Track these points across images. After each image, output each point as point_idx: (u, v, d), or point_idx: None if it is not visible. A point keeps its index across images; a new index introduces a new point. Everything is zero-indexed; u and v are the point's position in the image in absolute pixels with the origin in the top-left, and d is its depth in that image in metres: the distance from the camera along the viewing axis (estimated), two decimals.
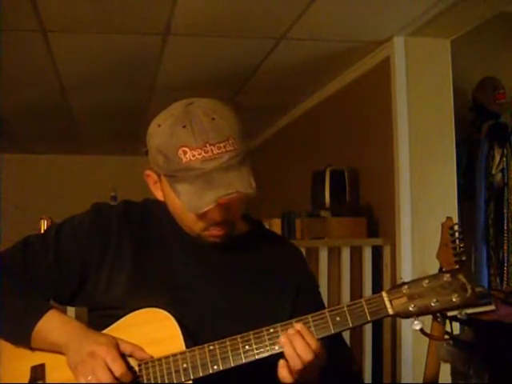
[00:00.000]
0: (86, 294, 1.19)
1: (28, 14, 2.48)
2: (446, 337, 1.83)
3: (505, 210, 3.04)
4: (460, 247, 1.76)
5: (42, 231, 1.31)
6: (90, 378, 1.02)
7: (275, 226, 3.18)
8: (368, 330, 2.93)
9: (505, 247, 3.02)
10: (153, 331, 1.10)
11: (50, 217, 3.30)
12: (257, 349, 1.05)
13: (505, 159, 3.07)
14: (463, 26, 2.75)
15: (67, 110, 4.30)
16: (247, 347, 1.05)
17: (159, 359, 1.07)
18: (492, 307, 1.67)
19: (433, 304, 1.03)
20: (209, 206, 1.06)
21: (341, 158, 3.46)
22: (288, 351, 1.02)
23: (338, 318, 1.05)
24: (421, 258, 2.78)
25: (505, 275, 3.00)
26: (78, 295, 1.20)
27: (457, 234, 1.78)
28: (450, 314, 1.06)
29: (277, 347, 1.05)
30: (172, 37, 2.83)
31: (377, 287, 2.96)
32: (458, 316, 1.04)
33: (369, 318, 1.05)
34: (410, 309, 1.04)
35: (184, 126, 1.08)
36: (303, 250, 2.45)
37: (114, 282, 1.16)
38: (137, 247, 1.19)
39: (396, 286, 1.07)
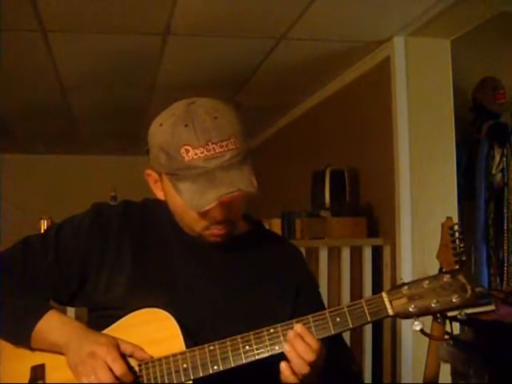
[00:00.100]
0: (85, 294, 1.19)
1: (28, 14, 2.48)
2: (446, 337, 1.83)
3: (505, 210, 3.04)
4: (460, 247, 1.76)
5: (42, 231, 1.31)
6: (90, 378, 1.02)
7: (275, 226, 3.18)
8: (368, 330, 2.93)
9: (505, 247, 3.02)
10: (153, 331, 1.10)
11: (50, 217, 3.30)
12: (257, 349, 1.05)
13: (505, 159, 3.07)
14: (463, 26, 2.75)
15: (67, 110, 4.30)
16: (247, 347, 1.05)
17: (159, 359, 1.07)
18: (492, 307, 1.67)
19: (433, 305, 1.03)
20: (211, 204, 1.06)
21: (341, 158, 3.46)
22: (290, 353, 1.03)
23: (338, 319, 1.05)
24: (421, 258, 2.78)
25: (505, 275, 3.00)
26: (77, 295, 1.20)
27: (457, 234, 1.78)
28: (449, 314, 1.06)
29: (277, 347, 1.05)
30: (172, 37, 2.83)
31: (377, 287, 2.96)
32: (458, 316, 1.05)
33: (369, 319, 1.05)
34: (410, 309, 1.04)
35: (186, 125, 1.08)
36: (303, 250, 2.45)
37: (114, 282, 1.16)
38: (137, 247, 1.19)
39: (396, 287, 1.07)
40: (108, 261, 1.17)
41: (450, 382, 1.99)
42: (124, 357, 1.06)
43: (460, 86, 3.04)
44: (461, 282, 1.04)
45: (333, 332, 1.05)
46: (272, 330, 1.06)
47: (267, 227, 1.96)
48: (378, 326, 2.92)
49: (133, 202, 1.27)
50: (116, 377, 1.02)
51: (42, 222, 3.36)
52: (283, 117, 4.68)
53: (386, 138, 2.94)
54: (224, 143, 1.07)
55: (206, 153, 1.06)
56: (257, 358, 1.05)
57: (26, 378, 1.11)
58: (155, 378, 1.06)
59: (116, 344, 1.07)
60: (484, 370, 1.72)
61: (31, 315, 1.11)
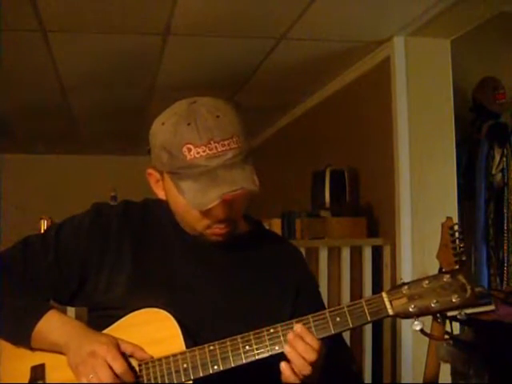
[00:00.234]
0: (86, 294, 1.19)
1: (28, 14, 2.48)
2: (446, 337, 1.83)
3: (505, 210, 3.04)
4: (460, 247, 1.76)
5: (42, 231, 1.31)
6: (91, 377, 1.02)
7: (275, 226, 3.18)
8: (368, 330, 2.93)
9: (505, 247, 3.02)
10: (153, 331, 1.10)
11: (50, 217, 3.30)
12: (257, 349, 1.05)
13: (505, 159, 3.07)
14: (463, 26, 2.75)
15: (67, 110, 4.30)
16: (247, 347, 1.05)
17: (159, 359, 1.07)
18: (492, 307, 1.67)
19: (433, 305, 1.03)
20: (213, 203, 1.06)
21: (341, 158, 3.46)
22: (290, 354, 1.03)
23: (338, 319, 1.05)
24: (421, 258, 2.78)
25: (505, 275, 3.00)
26: (78, 295, 1.20)
27: (457, 234, 1.78)
28: (449, 314, 1.06)
29: (277, 347, 1.05)
30: (172, 37, 2.83)
31: (377, 287, 2.96)
32: (458, 316, 1.05)
33: (369, 319, 1.05)
34: (410, 309, 1.04)
35: (188, 124, 1.08)
36: (303, 250, 2.45)
37: (114, 282, 1.16)
38: (137, 247, 1.19)
39: (396, 287, 1.07)
40: (108, 261, 1.17)
41: (450, 382, 1.99)
42: (124, 356, 1.06)
43: (460, 86, 3.04)
44: (461, 282, 1.04)
45: (333, 332, 1.05)
46: (272, 330, 1.06)
47: (267, 227, 1.96)
48: (378, 326, 2.92)
49: (133, 202, 1.27)
50: (116, 376, 1.02)
51: (42, 221, 3.37)
52: (283, 117, 4.68)
53: (386, 138, 2.94)
54: (226, 142, 1.07)
55: (208, 151, 1.06)
56: (257, 358, 1.05)
57: (26, 377, 1.11)
58: (155, 378, 1.06)
59: (116, 343, 1.07)
60: (484, 369, 1.72)
61: (31, 315, 1.11)
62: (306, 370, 1.02)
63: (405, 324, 2.74)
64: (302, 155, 4.31)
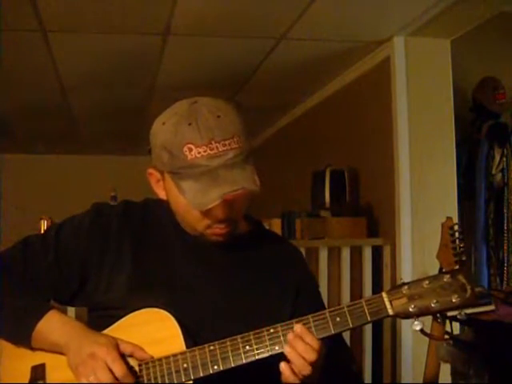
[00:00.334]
0: (86, 294, 1.19)
1: (28, 13, 2.48)
2: (446, 337, 1.83)
3: (505, 210, 3.04)
4: (460, 247, 1.76)
5: (42, 231, 1.32)
6: (91, 378, 1.02)
7: (275, 226, 3.18)
8: (368, 330, 2.93)
9: (505, 247, 3.02)
10: (153, 331, 1.10)
11: (50, 217, 3.30)
12: (257, 349, 1.05)
13: (505, 159, 3.07)
14: (463, 26, 2.75)
15: (67, 110, 4.30)
16: (247, 347, 1.05)
17: (159, 359, 1.07)
18: (492, 307, 1.67)
19: (433, 305, 1.03)
20: (214, 203, 1.06)
21: (341, 158, 3.46)
22: (290, 354, 1.03)
23: (338, 319, 1.05)
24: (421, 258, 2.78)
25: (505, 275, 3.00)
26: (78, 295, 1.20)
27: (457, 234, 1.78)
28: (449, 314, 1.06)
29: (277, 347, 1.05)
30: (172, 37, 2.83)
31: (377, 287, 2.96)
32: (458, 316, 1.05)
33: (369, 319, 1.05)
34: (410, 309, 1.04)
35: (189, 124, 1.08)
36: (303, 250, 2.45)
37: (114, 282, 1.16)
38: (137, 247, 1.19)
39: (396, 287, 1.07)
40: (108, 261, 1.17)
41: (450, 382, 1.99)
42: (124, 357, 1.06)
43: (460, 86, 3.04)
44: (461, 282, 1.04)
45: (333, 332, 1.05)
46: (272, 330, 1.06)
47: (267, 227, 1.96)
48: (377, 326, 2.92)
49: (133, 202, 1.27)
50: (116, 378, 1.02)
51: (42, 222, 3.36)
52: (283, 117, 4.68)
53: (386, 137, 2.94)
54: (227, 142, 1.08)
55: (209, 151, 1.07)
56: (257, 357, 1.05)
57: (27, 377, 1.11)
58: (155, 378, 1.07)
59: (116, 344, 1.07)
60: (484, 369, 1.72)
61: (32, 315, 1.11)
62: (306, 370, 1.02)
63: (405, 324, 2.74)
64: (302, 155, 4.31)
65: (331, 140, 3.77)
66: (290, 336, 1.04)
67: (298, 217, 3.21)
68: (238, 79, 3.63)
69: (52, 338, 1.09)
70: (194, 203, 1.08)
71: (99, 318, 1.17)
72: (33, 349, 1.12)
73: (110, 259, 1.17)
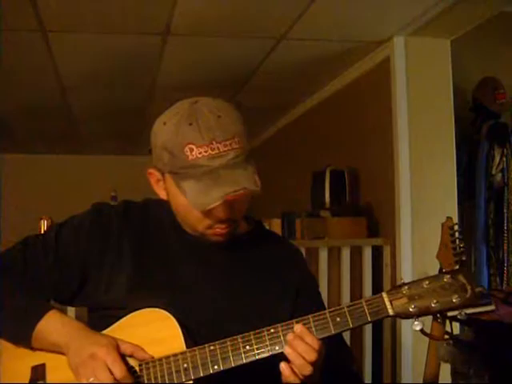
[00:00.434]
0: (86, 294, 1.19)
1: (28, 13, 2.48)
2: (446, 337, 1.83)
3: (505, 210, 3.04)
4: (460, 247, 1.76)
5: (42, 231, 1.32)
6: (91, 379, 1.02)
7: (275, 226, 3.18)
8: (368, 330, 2.93)
9: (505, 247, 3.02)
10: (153, 331, 1.10)
11: (50, 217, 3.29)
12: (257, 349, 1.05)
13: (505, 159, 3.07)
14: (463, 26, 2.75)
15: (67, 110, 4.30)
16: (248, 347, 1.05)
17: (160, 359, 1.07)
18: (492, 307, 1.67)
19: (433, 305, 1.03)
20: (216, 203, 1.06)
21: (341, 158, 3.46)
22: (291, 355, 1.03)
23: (338, 319, 1.05)
24: (421, 258, 2.78)
25: (505, 275, 3.00)
26: (78, 295, 1.20)
27: (457, 234, 1.78)
28: (449, 314, 1.06)
29: (277, 347, 1.05)
30: (172, 37, 2.83)
31: (377, 287, 2.96)
32: (458, 316, 1.05)
33: (369, 319, 1.05)
34: (411, 309, 1.04)
35: (190, 124, 1.08)
36: (303, 250, 2.46)
37: (114, 282, 1.16)
38: (137, 247, 1.19)
39: (396, 287, 1.07)
40: (108, 261, 1.17)
41: (450, 382, 1.99)
42: (124, 357, 1.06)
43: (460, 86, 3.04)
44: (461, 282, 1.04)
45: (333, 332, 1.05)
46: (272, 330, 1.06)
47: (267, 227, 1.96)
48: (377, 326, 2.92)
49: (133, 202, 1.27)
50: (116, 379, 1.02)
51: (42, 222, 3.35)
52: (283, 117, 4.68)
53: (386, 138, 2.94)
54: (228, 142, 1.08)
55: (210, 152, 1.07)
56: (257, 357, 1.05)
57: (27, 377, 1.11)
58: (156, 378, 1.07)
59: (116, 345, 1.07)
60: (484, 370, 1.72)
61: (32, 315, 1.11)
62: (306, 370, 1.02)
63: (405, 324, 2.74)
64: (302, 155, 4.31)
65: (331, 140, 3.77)
66: (290, 336, 1.04)
67: (298, 217, 3.21)
68: (238, 79, 3.63)
69: (52, 338, 1.09)
70: (195, 203, 1.08)
71: (99, 318, 1.17)
72: (33, 349, 1.12)
73: (110, 259, 1.17)
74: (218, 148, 1.07)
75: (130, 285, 1.15)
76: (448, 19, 2.62)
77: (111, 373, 1.02)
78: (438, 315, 1.06)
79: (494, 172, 3.09)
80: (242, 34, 2.85)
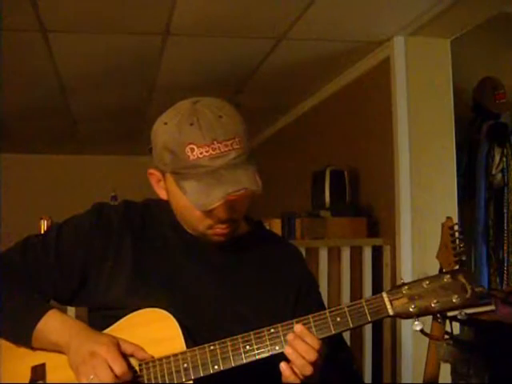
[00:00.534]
0: (86, 293, 1.19)
1: (28, 14, 2.48)
2: (446, 337, 1.83)
3: (505, 210, 3.04)
4: (460, 247, 1.76)
5: (42, 231, 1.32)
6: (91, 377, 1.02)
7: (275, 226, 3.18)
8: (368, 330, 2.93)
9: (505, 247, 3.02)
10: (153, 331, 1.10)
11: (50, 217, 3.29)
12: (257, 349, 1.05)
13: (505, 159, 3.07)
14: (463, 26, 2.75)
15: (67, 110, 4.30)
16: (248, 347, 1.05)
17: (160, 359, 1.07)
18: (492, 307, 1.66)
19: (433, 305, 1.03)
20: (217, 203, 1.06)
21: (341, 158, 3.46)
22: (291, 355, 1.03)
23: (338, 319, 1.05)
24: (421, 258, 2.78)
25: (505, 275, 3.00)
26: (78, 295, 1.20)
27: (457, 234, 1.78)
28: (449, 314, 1.06)
29: (278, 347, 1.05)
30: (172, 37, 2.83)
31: (377, 287, 2.96)
32: (458, 316, 1.05)
33: (369, 319, 1.05)
34: (411, 309, 1.04)
35: (191, 124, 1.08)
36: (303, 250, 2.46)
37: (114, 282, 1.16)
38: (137, 247, 1.19)
39: (396, 287, 1.07)
40: (109, 261, 1.17)
41: (450, 382, 1.99)
42: (124, 356, 1.06)
43: (460, 86, 3.04)
44: (461, 282, 1.04)
45: (333, 332, 1.05)
46: (272, 330, 1.06)
47: (267, 227, 1.96)
48: (377, 326, 2.92)
49: (133, 202, 1.27)
50: (116, 376, 1.02)
51: (42, 222, 3.36)
52: (283, 117, 4.68)
53: (386, 138, 2.94)
54: (229, 142, 1.08)
55: (211, 152, 1.07)
56: (257, 357, 1.05)
57: (27, 377, 1.11)
58: (156, 378, 1.07)
59: (116, 343, 1.07)
60: (484, 370, 1.73)
61: (32, 315, 1.11)
62: (307, 370, 1.02)
63: (405, 324, 2.74)
64: (301, 155, 4.31)
65: (331, 140, 3.77)
66: (290, 336, 1.04)
67: (298, 217, 3.21)
68: (237, 79, 3.63)
69: (52, 337, 1.09)
70: (196, 203, 1.08)
71: (99, 317, 1.17)
72: (33, 349, 1.12)
73: (111, 259, 1.17)
74: (219, 148, 1.07)
75: (130, 285, 1.15)
76: (448, 19, 2.62)
77: (112, 370, 1.02)
78: (438, 315, 1.06)
79: (494, 172, 3.09)
80: (241, 34, 2.85)
